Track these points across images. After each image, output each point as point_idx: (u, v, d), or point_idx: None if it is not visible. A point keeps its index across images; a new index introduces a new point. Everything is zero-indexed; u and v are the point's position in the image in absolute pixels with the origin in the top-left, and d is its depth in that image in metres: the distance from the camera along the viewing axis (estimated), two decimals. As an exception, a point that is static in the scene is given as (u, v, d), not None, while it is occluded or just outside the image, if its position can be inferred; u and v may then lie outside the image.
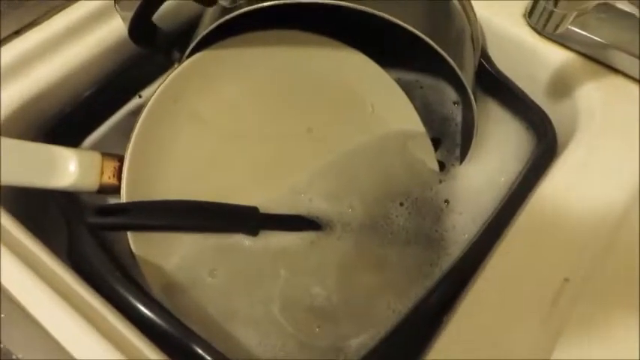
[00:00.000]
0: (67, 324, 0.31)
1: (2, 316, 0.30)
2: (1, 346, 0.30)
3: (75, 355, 0.30)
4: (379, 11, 0.36)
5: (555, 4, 0.30)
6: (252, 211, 0.42)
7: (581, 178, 0.40)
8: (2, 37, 0.41)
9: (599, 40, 0.44)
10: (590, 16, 0.44)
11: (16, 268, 0.33)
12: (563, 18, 0.30)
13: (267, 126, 0.45)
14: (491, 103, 0.50)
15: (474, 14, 0.46)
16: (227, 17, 0.38)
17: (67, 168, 0.37)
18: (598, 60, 0.45)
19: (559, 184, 0.40)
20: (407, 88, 0.49)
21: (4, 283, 0.32)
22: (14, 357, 0.29)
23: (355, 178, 0.46)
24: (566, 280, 0.36)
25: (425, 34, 0.37)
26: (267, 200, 0.43)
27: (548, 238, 0.38)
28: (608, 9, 0.44)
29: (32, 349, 0.30)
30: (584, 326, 0.34)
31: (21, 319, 0.31)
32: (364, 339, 0.39)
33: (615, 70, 0.45)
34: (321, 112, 0.47)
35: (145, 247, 0.38)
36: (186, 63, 0.41)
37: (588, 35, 0.44)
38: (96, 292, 0.34)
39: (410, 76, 0.52)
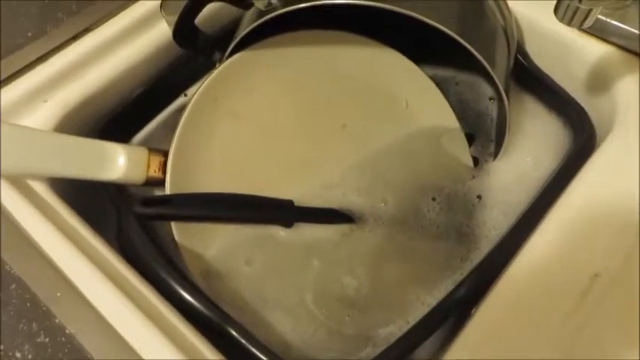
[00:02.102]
0: (114, 303, 0.34)
1: (58, 294, 0.34)
2: (57, 321, 0.33)
3: (120, 330, 0.33)
4: (411, 11, 0.37)
5: (580, 0, 0.30)
6: (288, 204, 0.44)
7: (617, 173, 0.40)
8: (61, 42, 0.45)
9: (638, 32, 0.43)
10: (629, 9, 0.43)
11: (71, 252, 0.36)
12: (588, 13, 0.30)
13: (303, 123, 0.47)
14: (528, 98, 0.50)
15: (509, 11, 0.46)
16: (263, 19, 0.40)
17: (117, 162, 0.40)
18: (637, 53, 0.44)
19: (594, 180, 0.40)
20: (443, 85, 0.50)
21: (59, 265, 0.35)
22: (68, 331, 0.32)
23: (388, 173, 0.47)
24: (597, 275, 0.36)
25: (456, 33, 0.38)
26: (302, 194, 0.45)
27: (580, 233, 0.38)
28: (649, 2, 0.43)
29: (83, 325, 0.33)
30: (610, 323, 0.34)
31: (74, 297, 0.34)
32: (393, 328, 0.40)
33: (656, 64, 0.44)
34: (355, 109, 0.48)
35: (187, 236, 0.41)
36: (225, 63, 0.43)
37: (628, 28, 0.44)
38: (141, 276, 0.37)
39: (446, 73, 0.53)
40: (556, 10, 0.32)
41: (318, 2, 0.38)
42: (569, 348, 0.33)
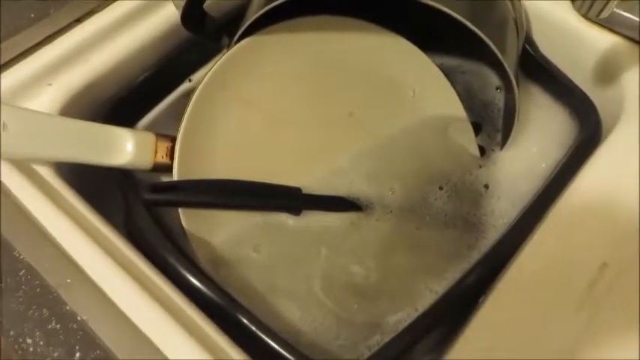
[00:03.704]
0: (125, 290, 0.34)
1: (68, 281, 0.33)
2: (67, 307, 0.32)
3: (130, 316, 0.33)
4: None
5: (599, -10, 0.30)
6: (296, 191, 0.44)
7: (625, 164, 0.40)
8: (64, 24, 0.44)
9: (647, 23, 0.43)
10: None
11: (80, 238, 0.35)
12: (606, 4, 0.30)
13: (311, 109, 0.46)
14: (535, 88, 0.50)
15: (519, -1, 0.46)
16: (274, 4, 0.39)
17: (125, 147, 0.40)
18: (645, 44, 0.44)
19: (602, 170, 0.40)
20: (449, 73, 0.50)
21: (69, 251, 0.35)
22: (79, 318, 0.32)
23: (395, 162, 0.47)
24: (605, 265, 0.36)
25: (467, 19, 0.38)
26: (310, 181, 0.45)
27: (587, 224, 0.38)
28: (658, -8, 0.43)
29: (94, 311, 0.33)
30: (620, 312, 0.34)
31: (84, 284, 0.33)
32: (401, 316, 0.40)
33: (664, 55, 0.44)
34: (362, 97, 0.48)
35: (195, 222, 0.41)
36: (234, 49, 0.42)
37: (636, 19, 0.44)
38: (149, 262, 0.37)
39: (453, 62, 0.52)
40: (574, 0, 0.32)
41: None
42: (580, 337, 0.33)
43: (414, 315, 0.40)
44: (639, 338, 0.32)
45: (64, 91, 0.43)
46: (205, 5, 0.43)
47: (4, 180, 0.38)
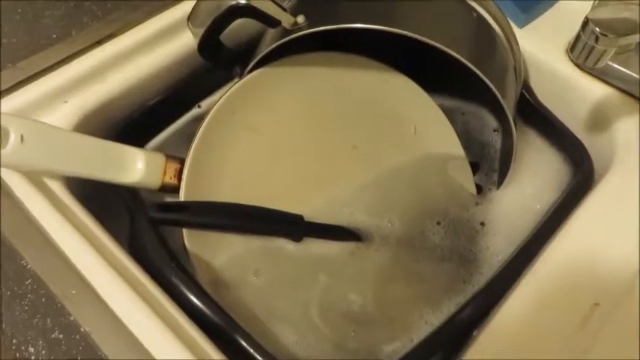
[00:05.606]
0: (129, 305, 0.34)
1: (73, 292, 0.34)
2: (72, 318, 0.33)
3: (132, 329, 0.33)
4: (432, 40, 0.39)
5: (596, 41, 0.32)
6: (298, 218, 0.45)
7: (616, 209, 0.41)
8: (85, 45, 0.46)
9: (638, 77, 0.46)
10: (631, 54, 0.46)
11: (87, 252, 0.36)
12: (602, 53, 0.32)
13: (316, 141, 0.48)
14: (531, 132, 0.52)
15: (518, 47, 0.48)
16: (288, 38, 0.41)
17: (135, 166, 0.41)
18: (636, 96, 0.47)
19: (593, 214, 0.41)
20: (449, 114, 0.52)
21: (76, 263, 0.35)
22: (82, 329, 0.33)
23: (395, 195, 0.48)
24: (596, 305, 0.37)
25: (472, 64, 0.40)
26: (312, 210, 0.46)
27: (579, 264, 0.39)
28: (649, 48, 0.46)
29: (97, 324, 0.33)
30: (611, 350, 0.35)
31: (89, 296, 0.34)
32: (397, 346, 0.41)
33: (654, 107, 0.47)
34: (366, 131, 0.49)
35: (197, 243, 0.41)
36: (246, 78, 0.44)
37: (628, 72, 0.46)
38: (151, 278, 0.37)
39: (453, 103, 0.55)
40: (572, 49, 0.34)
41: (343, 26, 0.40)
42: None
43: (410, 345, 0.40)
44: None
45: (79, 109, 0.45)
46: (221, 35, 0.45)
47: (16, 191, 0.39)
